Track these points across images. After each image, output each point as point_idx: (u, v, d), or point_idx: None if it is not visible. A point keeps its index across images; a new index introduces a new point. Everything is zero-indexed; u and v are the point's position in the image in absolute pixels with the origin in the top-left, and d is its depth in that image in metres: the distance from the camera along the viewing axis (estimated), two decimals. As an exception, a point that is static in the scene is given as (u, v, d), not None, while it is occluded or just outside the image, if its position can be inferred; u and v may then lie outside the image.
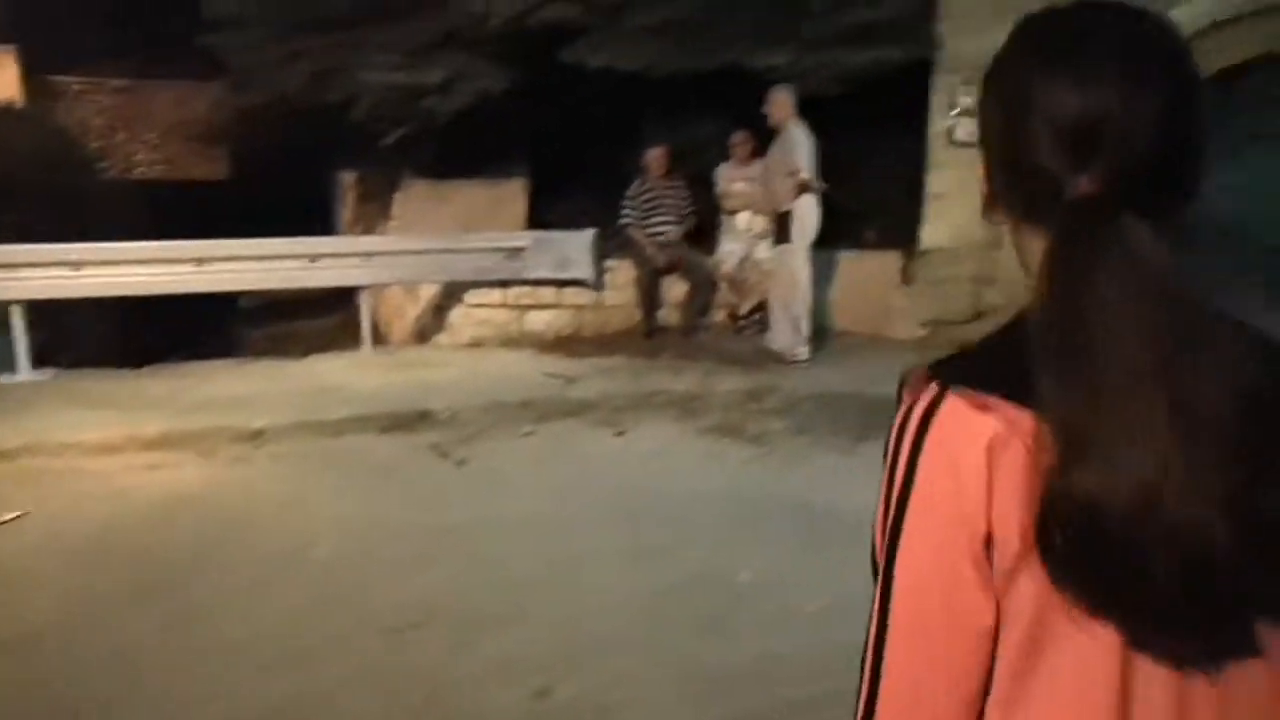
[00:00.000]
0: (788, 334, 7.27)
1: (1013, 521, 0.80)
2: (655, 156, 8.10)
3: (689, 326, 8.22)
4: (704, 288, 8.25)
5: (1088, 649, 0.80)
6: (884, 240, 8.47)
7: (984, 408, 0.82)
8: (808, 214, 7.03)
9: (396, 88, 7.33)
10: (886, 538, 0.87)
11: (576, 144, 8.57)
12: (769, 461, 5.45)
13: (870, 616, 0.88)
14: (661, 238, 8.13)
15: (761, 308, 7.87)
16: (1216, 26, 6.96)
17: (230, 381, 6.91)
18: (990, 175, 0.92)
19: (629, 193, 8.15)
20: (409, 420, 5.95)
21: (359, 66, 7.25)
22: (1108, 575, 0.77)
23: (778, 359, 7.26)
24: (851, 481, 5.04)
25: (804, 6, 7.06)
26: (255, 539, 4.37)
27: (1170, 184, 0.84)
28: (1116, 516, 0.75)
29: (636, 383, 6.85)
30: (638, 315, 8.25)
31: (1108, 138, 0.81)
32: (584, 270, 8.04)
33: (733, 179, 7.90)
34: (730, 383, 6.84)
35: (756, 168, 7.50)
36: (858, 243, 8.57)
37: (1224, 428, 0.76)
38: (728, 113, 7.99)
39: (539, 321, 8.27)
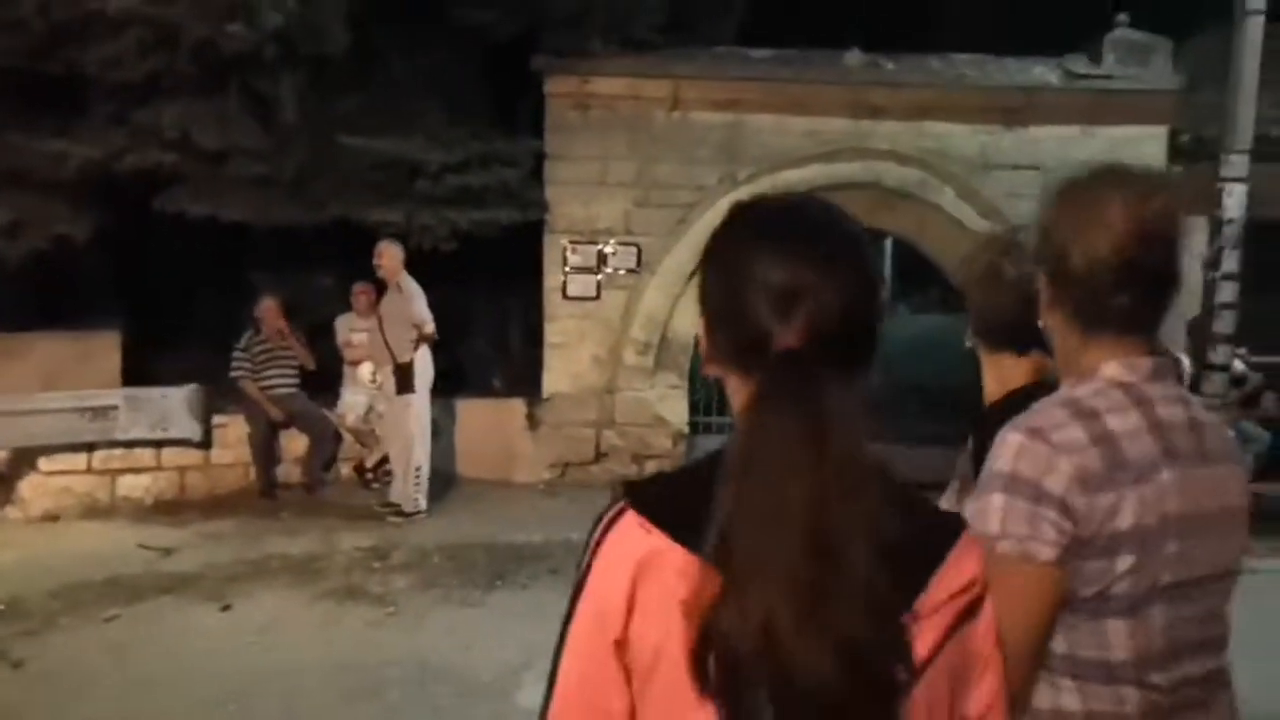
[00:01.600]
0: (407, 485, 7.13)
1: (650, 633, 0.94)
2: (268, 308, 7.78)
3: (311, 483, 7.82)
4: (326, 441, 7.93)
5: None
6: (510, 388, 8.74)
7: (647, 531, 0.96)
8: (427, 364, 7.05)
9: (-57, 229, 6.44)
10: (563, 619, 1.02)
11: (182, 295, 8.02)
12: (393, 623, 5.23)
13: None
14: (277, 390, 7.75)
15: (389, 459, 7.71)
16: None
17: None
18: (709, 332, 1.06)
19: (240, 345, 7.72)
20: (-47, 618, 5.00)
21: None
22: (741, 701, 0.90)
23: (399, 512, 7.10)
24: (478, 635, 5.01)
25: (418, 168, 7.28)
26: None
27: (856, 345, 1.01)
28: (747, 650, 0.88)
29: (249, 548, 6.35)
30: (253, 474, 7.72)
31: (807, 304, 0.97)
32: (187, 428, 7.41)
33: (354, 329, 7.79)
34: (354, 540, 6.56)
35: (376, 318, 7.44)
36: (484, 391, 8.76)
37: (856, 574, 0.89)
38: (348, 264, 7.93)
39: (135, 487, 7.43)
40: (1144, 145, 8.23)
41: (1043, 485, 1.25)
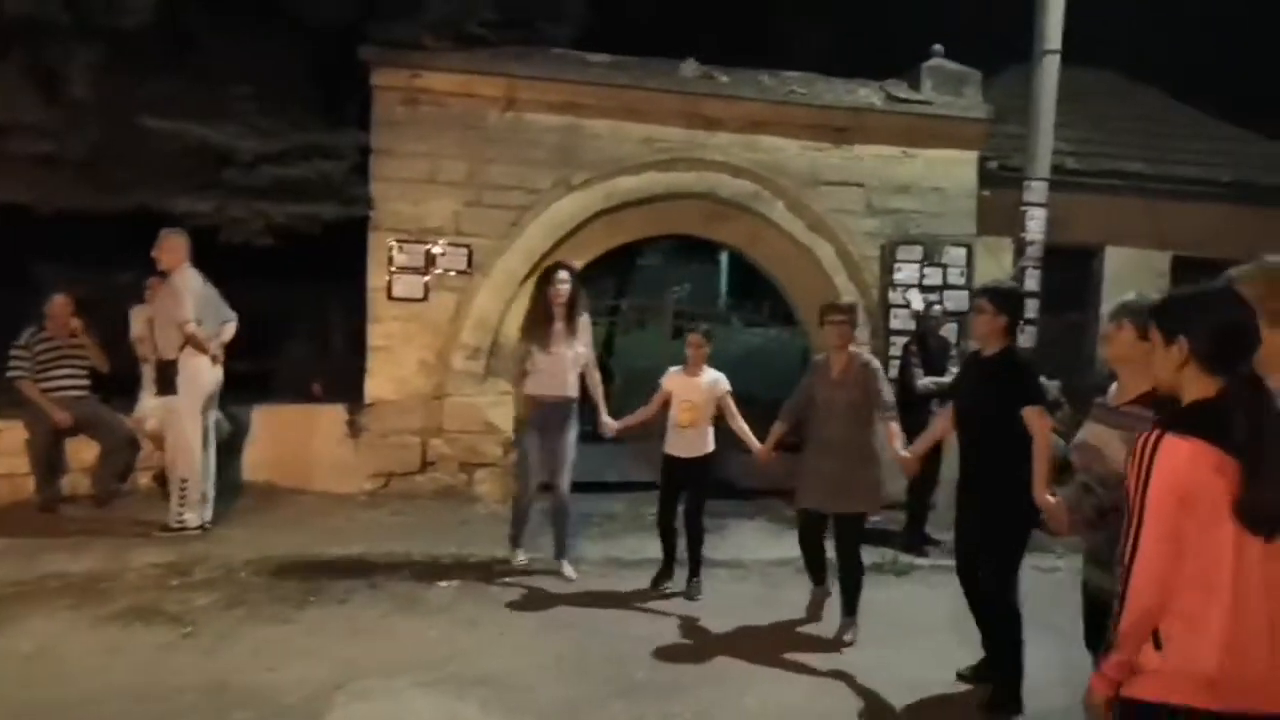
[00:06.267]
0: (173, 498, 6.51)
1: (1199, 489, 2.07)
2: (59, 303, 7.05)
3: (102, 494, 7.14)
4: (120, 449, 7.25)
5: (1230, 538, 2.10)
6: (330, 393, 8.28)
7: (1186, 440, 2.08)
8: (197, 369, 6.44)
9: None
10: (1138, 490, 2.12)
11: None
12: (189, 644, 4.80)
13: (1131, 522, 2.15)
14: (65, 393, 7.03)
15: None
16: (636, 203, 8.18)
17: None
18: (1190, 350, 2.22)
19: (20, 342, 6.96)
20: None
21: None
22: (1264, 522, 2.08)
23: (165, 527, 6.46)
24: (286, 655, 4.66)
25: (229, 156, 6.77)
26: None
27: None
28: (1266, 505, 2.07)
29: (23, 568, 5.71)
30: (32, 485, 6.97)
31: (1250, 341, 2.16)
32: (-49, 435, 6.62)
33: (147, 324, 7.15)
34: (149, 557, 6.00)
35: (153, 313, 6.79)
36: (302, 396, 8.27)
37: None
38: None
39: (-114, 502, 6.58)
40: (957, 168, 8.70)
41: None
